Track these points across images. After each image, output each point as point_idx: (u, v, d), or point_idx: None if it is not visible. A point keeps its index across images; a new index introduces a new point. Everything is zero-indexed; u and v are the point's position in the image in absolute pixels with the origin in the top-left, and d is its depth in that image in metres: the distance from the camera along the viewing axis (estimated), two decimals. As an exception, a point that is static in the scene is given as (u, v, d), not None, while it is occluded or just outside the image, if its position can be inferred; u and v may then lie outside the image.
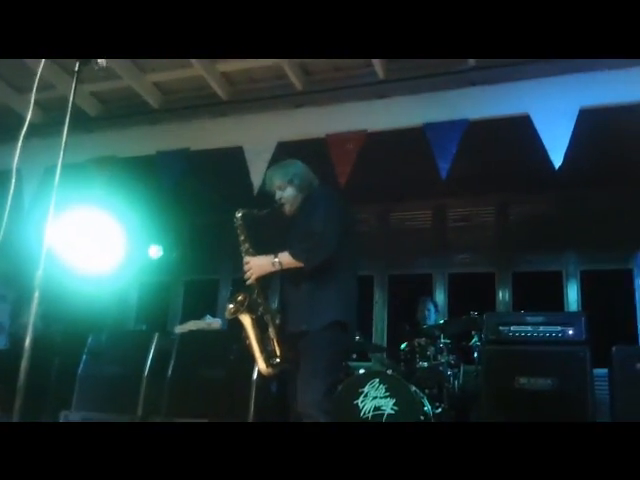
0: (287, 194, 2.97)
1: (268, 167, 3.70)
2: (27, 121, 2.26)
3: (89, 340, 5.41)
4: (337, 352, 2.81)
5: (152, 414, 4.71)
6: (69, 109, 2.30)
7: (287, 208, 2.98)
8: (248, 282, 2.86)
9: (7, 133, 5.49)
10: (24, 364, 1.94)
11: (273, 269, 2.80)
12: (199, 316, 5.69)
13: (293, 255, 2.76)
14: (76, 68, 2.34)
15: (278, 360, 2.80)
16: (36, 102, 5.61)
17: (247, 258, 2.88)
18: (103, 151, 5.53)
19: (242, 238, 2.92)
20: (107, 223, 6.53)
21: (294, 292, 2.86)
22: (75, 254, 6.48)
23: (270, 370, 2.81)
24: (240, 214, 2.90)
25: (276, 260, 2.77)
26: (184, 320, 6.16)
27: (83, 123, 5.69)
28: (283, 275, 2.88)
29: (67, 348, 5.91)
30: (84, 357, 5.28)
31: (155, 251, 6.98)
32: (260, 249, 2.95)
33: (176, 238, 7.00)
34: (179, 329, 5.37)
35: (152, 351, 5.03)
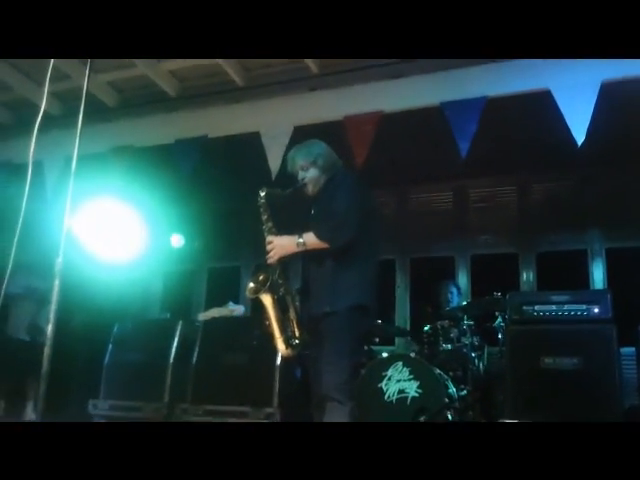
0: (310, 174, 2.94)
1: (285, 151, 3.68)
2: (41, 111, 2.24)
3: (114, 329, 5.46)
4: (359, 335, 2.81)
5: (178, 401, 4.75)
6: (83, 98, 2.27)
7: (310, 188, 2.95)
8: (270, 261, 2.84)
9: (29, 126, 5.57)
10: (47, 352, 1.95)
11: (297, 249, 2.77)
12: (222, 303, 5.72)
13: (318, 236, 2.73)
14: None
15: (297, 342, 2.79)
16: (54, 94, 5.69)
17: (270, 237, 2.84)
18: (121, 141, 5.57)
19: (265, 217, 2.89)
20: (128, 213, 6.58)
21: (317, 273, 2.84)
22: (98, 244, 6.55)
23: (289, 351, 2.80)
24: (264, 193, 2.87)
25: (301, 240, 2.75)
26: (207, 307, 6.21)
27: (101, 113, 5.73)
28: (305, 256, 2.86)
29: (92, 338, 5.99)
30: (110, 346, 5.34)
31: (177, 240, 7.01)
32: (281, 230, 2.93)
33: (197, 226, 7.02)
34: (202, 316, 5.40)
35: (176, 339, 5.06)
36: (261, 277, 2.86)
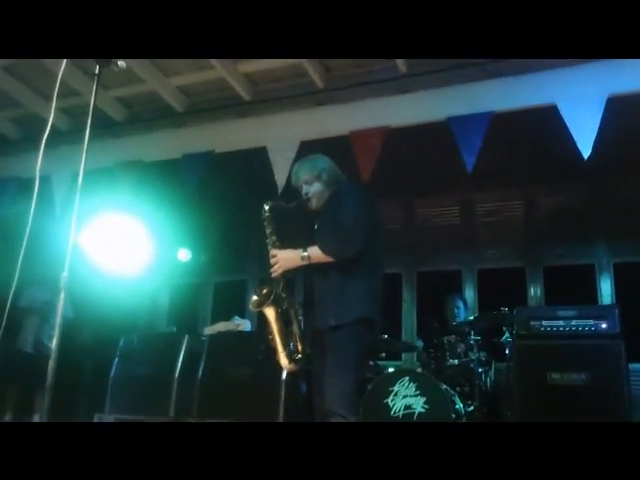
0: (314, 189, 2.92)
1: (292, 165, 3.69)
2: (49, 126, 2.26)
3: (120, 342, 5.47)
4: (364, 348, 2.79)
5: (184, 415, 4.75)
6: (90, 112, 2.31)
7: (314, 203, 2.93)
8: (274, 275, 2.82)
9: (37, 141, 5.63)
10: (51, 365, 1.96)
11: (301, 263, 2.76)
12: (228, 317, 5.72)
13: (323, 249, 2.71)
14: (96, 71, 2.35)
15: (300, 356, 2.77)
16: (63, 109, 5.74)
17: (274, 251, 2.83)
18: (130, 155, 5.61)
19: (269, 230, 2.88)
20: (135, 227, 6.61)
21: (321, 286, 2.81)
22: (105, 258, 6.58)
23: (292, 366, 2.78)
24: (268, 206, 2.86)
25: (305, 254, 2.73)
26: (214, 321, 6.21)
27: (109, 128, 5.78)
28: (308, 268, 2.84)
29: (99, 351, 6.01)
30: (116, 359, 5.35)
31: (184, 254, 7.04)
32: (285, 244, 2.92)
33: (204, 240, 7.04)
34: (208, 330, 5.41)
35: (182, 352, 5.07)
36: (265, 290, 2.85)
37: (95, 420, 5.13)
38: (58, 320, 2.00)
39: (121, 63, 2.41)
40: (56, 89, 2.33)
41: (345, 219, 2.73)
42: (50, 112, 6.01)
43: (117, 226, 6.52)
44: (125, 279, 6.97)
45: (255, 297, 2.86)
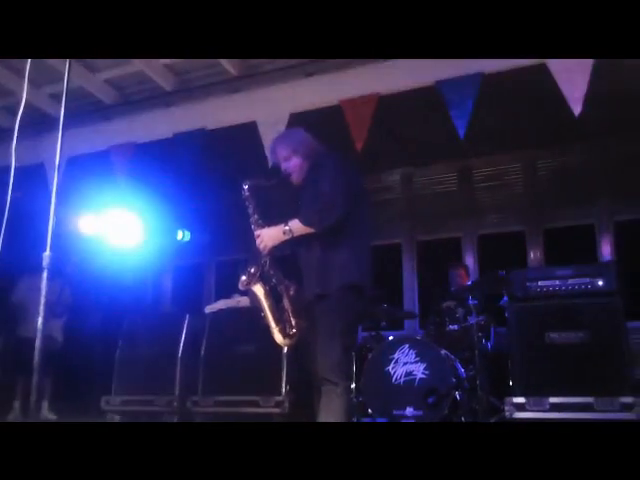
0: (293, 163, 2.91)
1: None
2: (20, 111, 2.24)
3: (124, 325, 5.50)
4: (352, 315, 2.78)
5: (189, 393, 4.78)
6: (63, 99, 2.27)
7: (294, 177, 2.92)
8: (263, 254, 2.81)
9: (28, 128, 5.62)
10: (38, 344, 1.96)
11: (285, 237, 2.75)
12: (230, 295, 5.72)
13: (303, 221, 2.71)
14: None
15: (294, 330, 2.78)
16: (54, 95, 5.71)
17: (258, 231, 2.83)
18: (122, 138, 5.58)
19: (250, 210, 2.87)
20: (133, 210, 6.63)
21: (306, 257, 2.82)
22: (104, 242, 6.61)
23: (287, 341, 2.78)
24: (247, 185, 2.86)
25: (287, 228, 2.72)
26: (217, 300, 6.23)
27: (101, 112, 5.75)
28: (294, 242, 2.84)
29: (106, 335, 6.06)
30: (120, 342, 5.38)
31: (182, 235, 7.05)
32: (272, 222, 2.90)
33: (203, 220, 7.05)
34: (209, 308, 5.42)
35: (185, 332, 5.09)
36: (252, 269, 2.84)
37: (102, 402, 5.18)
38: (42, 300, 1.99)
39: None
40: (27, 73, 2.29)
41: (323, 188, 2.72)
42: (43, 99, 5.94)
43: (115, 210, 6.56)
44: (127, 264, 7.02)
45: (243, 277, 2.84)
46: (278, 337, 2.81)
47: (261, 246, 2.79)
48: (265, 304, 2.81)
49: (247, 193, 2.87)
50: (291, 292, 2.84)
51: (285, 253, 2.95)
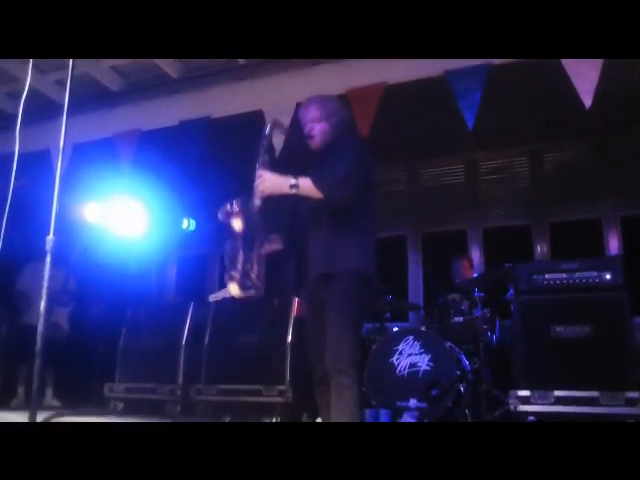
0: (319, 127, 2.75)
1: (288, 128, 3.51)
2: (22, 101, 2.22)
3: (128, 314, 5.51)
4: (363, 305, 2.72)
5: (192, 382, 4.78)
6: (68, 86, 2.24)
7: (315, 141, 2.77)
8: (257, 196, 2.55)
9: (34, 115, 5.59)
10: (40, 329, 1.95)
11: (288, 191, 2.55)
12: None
13: (315, 182, 2.54)
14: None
15: (250, 284, 2.56)
16: (59, 81, 5.69)
17: (262, 171, 2.59)
18: (128, 125, 5.56)
19: (263, 149, 2.65)
20: (138, 198, 6.62)
21: (313, 237, 2.71)
22: (110, 230, 6.60)
23: (239, 293, 2.56)
24: (269, 126, 2.68)
25: (294, 182, 2.53)
26: (221, 290, 6.22)
27: (107, 99, 5.73)
28: (301, 217, 2.74)
29: (110, 324, 6.07)
30: (123, 331, 5.39)
31: (188, 224, 7.04)
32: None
33: (207, 209, 7.03)
34: (213, 297, 5.41)
35: (188, 321, 5.09)
36: (236, 204, 2.58)
37: (105, 390, 5.19)
38: (44, 284, 1.98)
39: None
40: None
41: (342, 165, 2.61)
42: (48, 86, 5.90)
43: (121, 198, 6.54)
44: (132, 252, 7.01)
45: (227, 206, 2.59)
46: (232, 286, 2.57)
47: (259, 187, 2.56)
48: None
49: (267, 132, 2.68)
50: (264, 248, 2.64)
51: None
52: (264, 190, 2.55)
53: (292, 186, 2.53)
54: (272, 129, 2.71)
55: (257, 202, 2.56)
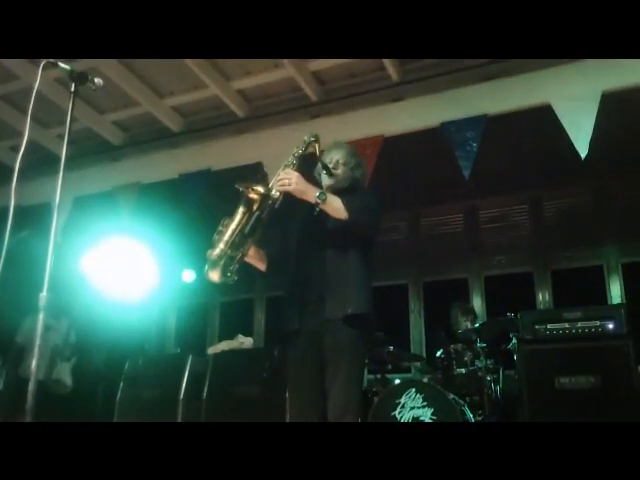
0: (341, 171, 2.75)
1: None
2: (20, 154, 2.23)
3: (125, 366, 5.44)
4: (365, 353, 2.66)
5: (190, 436, 4.68)
6: (66, 132, 2.27)
7: (328, 182, 2.72)
8: (280, 186, 2.45)
9: (37, 168, 5.66)
10: (31, 387, 1.92)
11: (311, 199, 2.45)
12: (234, 337, 5.66)
13: (345, 203, 2.46)
14: (72, 89, 2.33)
15: (230, 275, 2.54)
16: (60, 136, 5.77)
17: (293, 170, 2.54)
18: (128, 178, 5.62)
19: (297, 154, 2.63)
20: (138, 250, 6.60)
21: (309, 268, 2.62)
22: (110, 282, 6.57)
23: (218, 279, 2.53)
24: (312, 135, 2.68)
25: (322, 194, 2.44)
26: (221, 341, 6.16)
27: (108, 152, 5.80)
28: (302, 246, 2.68)
29: (110, 375, 5.98)
30: (121, 383, 5.31)
31: (188, 275, 7.01)
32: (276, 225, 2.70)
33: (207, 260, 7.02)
34: (212, 350, 5.36)
35: (187, 373, 5.01)
36: (261, 185, 2.48)
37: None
38: (37, 341, 1.95)
39: (98, 80, 2.39)
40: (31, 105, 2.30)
41: (369, 197, 2.63)
42: (50, 140, 5.97)
43: (120, 250, 6.53)
44: (131, 303, 6.97)
45: (254, 185, 2.50)
46: (213, 270, 2.54)
47: (285, 181, 2.45)
48: (237, 219, 2.52)
49: (313, 139, 2.68)
50: (252, 251, 2.61)
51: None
52: (289, 185, 2.44)
53: (319, 197, 2.44)
54: (314, 136, 2.68)
55: (279, 196, 2.47)
